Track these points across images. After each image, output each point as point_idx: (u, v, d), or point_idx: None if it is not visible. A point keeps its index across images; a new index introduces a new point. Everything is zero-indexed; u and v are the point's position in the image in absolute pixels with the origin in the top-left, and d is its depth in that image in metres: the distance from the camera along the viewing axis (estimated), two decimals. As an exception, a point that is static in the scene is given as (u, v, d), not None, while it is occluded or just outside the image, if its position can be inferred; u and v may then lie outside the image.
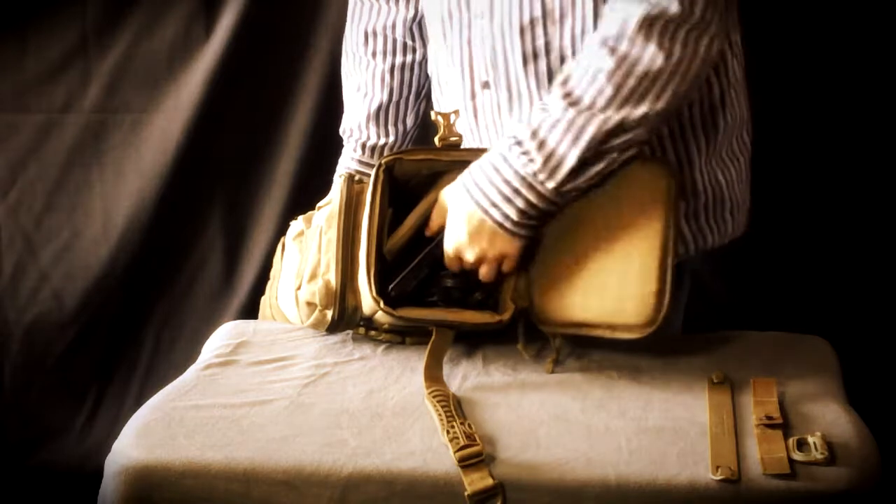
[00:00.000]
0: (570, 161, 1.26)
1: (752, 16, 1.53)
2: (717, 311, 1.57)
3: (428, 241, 1.37)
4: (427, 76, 1.63)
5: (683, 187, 1.42)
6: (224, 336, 1.43)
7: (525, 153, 1.27)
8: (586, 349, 1.33)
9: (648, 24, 1.26)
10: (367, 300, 1.32)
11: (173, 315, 2.08)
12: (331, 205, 1.40)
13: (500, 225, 1.29)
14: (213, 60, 1.94)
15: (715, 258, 1.52)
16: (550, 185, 1.27)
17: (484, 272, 1.32)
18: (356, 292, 1.35)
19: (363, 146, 1.65)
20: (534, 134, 1.27)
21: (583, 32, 1.38)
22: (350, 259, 1.35)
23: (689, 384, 1.25)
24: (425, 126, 1.66)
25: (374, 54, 1.64)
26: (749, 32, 1.51)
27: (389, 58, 1.63)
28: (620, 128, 1.26)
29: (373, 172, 1.35)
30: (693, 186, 1.44)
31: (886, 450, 1.14)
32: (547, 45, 1.40)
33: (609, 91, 1.26)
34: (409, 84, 1.65)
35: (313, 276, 1.37)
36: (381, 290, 1.31)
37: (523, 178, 1.27)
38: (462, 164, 1.35)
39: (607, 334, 1.30)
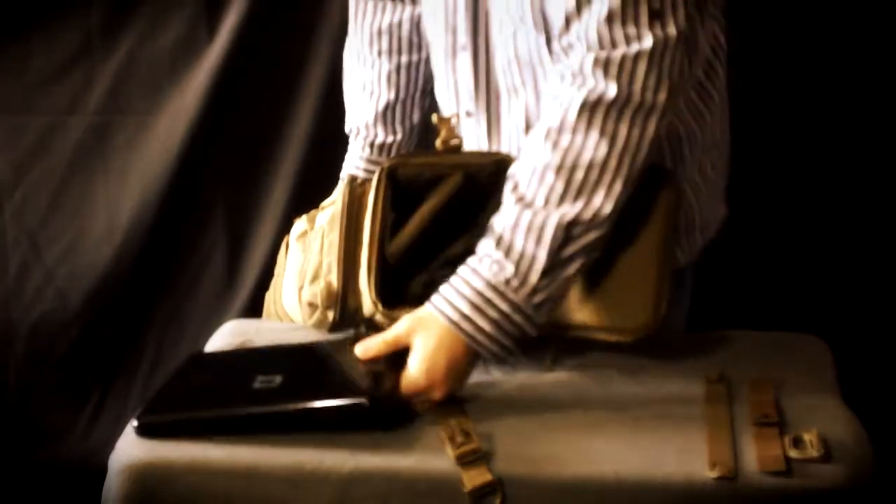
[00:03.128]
0: (540, 261, 1.21)
1: (734, 19, 1.54)
2: (714, 311, 1.57)
3: (435, 245, 1.38)
4: (431, 73, 1.63)
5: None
6: (226, 335, 1.44)
7: (496, 262, 1.21)
8: (585, 348, 1.34)
9: (589, 111, 1.22)
10: (368, 302, 1.33)
11: (176, 314, 2.09)
12: (333, 206, 1.41)
13: (472, 338, 1.21)
14: (215, 62, 1.95)
15: (712, 258, 1.53)
16: (524, 291, 1.21)
17: (438, 396, 1.21)
18: (357, 294, 1.35)
19: (371, 144, 1.65)
20: (499, 241, 1.22)
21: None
22: (352, 261, 1.36)
23: (687, 383, 1.26)
24: (425, 124, 1.67)
25: (379, 53, 1.63)
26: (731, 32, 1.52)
27: (395, 57, 1.63)
28: (578, 221, 1.21)
29: (375, 176, 1.36)
30: None
31: (881, 447, 1.15)
32: (524, 83, 1.40)
33: (559, 187, 1.21)
34: (416, 82, 1.64)
35: (315, 278, 1.38)
36: (382, 293, 1.32)
37: (495, 287, 1.21)
38: (463, 167, 1.36)
39: (604, 337, 1.30)
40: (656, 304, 1.28)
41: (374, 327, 1.38)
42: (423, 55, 1.63)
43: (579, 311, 1.31)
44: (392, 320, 1.30)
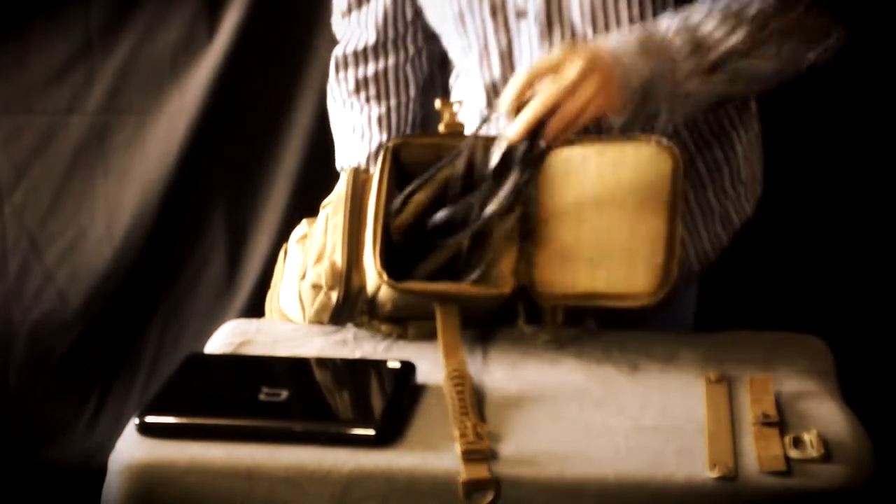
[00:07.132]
0: (725, 45, 1.31)
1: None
2: (714, 311, 1.57)
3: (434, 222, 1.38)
4: (420, 110, 1.63)
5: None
6: (226, 335, 1.44)
7: (679, 33, 1.30)
8: (585, 346, 1.34)
9: None
10: (372, 275, 1.33)
11: (176, 314, 2.10)
12: (337, 192, 1.40)
13: (624, 74, 1.28)
14: (215, 62, 1.95)
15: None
16: (694, 60, 1.30)
17: (575, 105, 1.27)
18: (362, 272, 1.35)
19: None
20: (688, 25, 1.31)
21: None
22: (356, 240, 1.35)
23: (687, 383, 1.26)
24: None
25: (367, 100, 1.61)
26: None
27: (385, 101, 1.61)
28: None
29: (380, 156, 1.35)
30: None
31: (881, 447, 1.15)
32: None
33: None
34: (407, 120, 1.63)
35: (319, 258, 1.38)
36: (387, 264, 1.32)
37: (667, 47, 1.30)
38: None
39: (615, 303, 1.31)
40: (668, 269, 1.29)
41: (376, 314, 1.38)
42: (412, 93, 1.62)
43: (590, 280, 1.31)
44: (398, 291, 1.30)
